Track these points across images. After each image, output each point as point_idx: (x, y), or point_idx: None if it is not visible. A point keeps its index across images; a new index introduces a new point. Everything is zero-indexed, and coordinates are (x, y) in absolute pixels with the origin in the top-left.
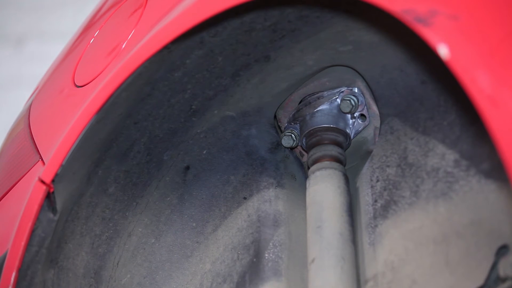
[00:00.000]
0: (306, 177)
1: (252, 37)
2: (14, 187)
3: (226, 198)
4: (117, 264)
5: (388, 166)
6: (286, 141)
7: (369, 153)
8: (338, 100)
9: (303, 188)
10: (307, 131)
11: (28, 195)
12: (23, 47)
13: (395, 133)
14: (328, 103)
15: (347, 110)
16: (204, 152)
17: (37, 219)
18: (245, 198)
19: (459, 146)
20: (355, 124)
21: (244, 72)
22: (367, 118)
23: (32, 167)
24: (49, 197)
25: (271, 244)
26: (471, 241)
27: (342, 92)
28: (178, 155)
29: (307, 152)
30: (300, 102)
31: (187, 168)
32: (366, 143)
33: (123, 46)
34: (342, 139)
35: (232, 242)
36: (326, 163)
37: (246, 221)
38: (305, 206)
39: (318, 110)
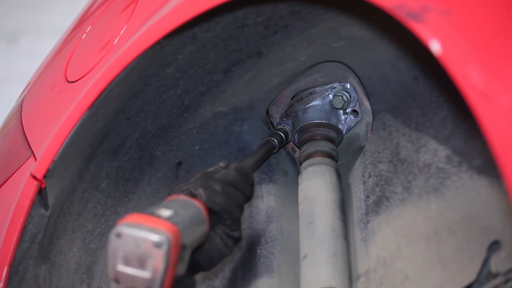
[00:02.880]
0: (298, 172)
1: (245, 32)
2: (5, 183)
3: None
4: None
5: (380, 162)
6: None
7: (361, 149)
8: (330, 96)
9: (295, 184)
10: (299, 127)
11: (20, 190)
12: (16, 43)
13: (387, 129)
14: (320, 98)
15: (339, 105)
16: (196, 148)
17: (29, 214)
18: None
19: (451, 142)
20: (347, 120)
21: (236, 67)
22: (359, 114)
23: (24, 163)
24: (41, 192)
25: (263, 240)
26: (463, 237)
27: (335, 88)
28: (170, 151)
29: (299, 148)
30: (292, 98)
31: (179, 163)
32: (358, 139)
33: (115, 42)
34: (334, 135)
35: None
36: (318, 159)
37: None
38: (297, 202)
39: (310, 105)
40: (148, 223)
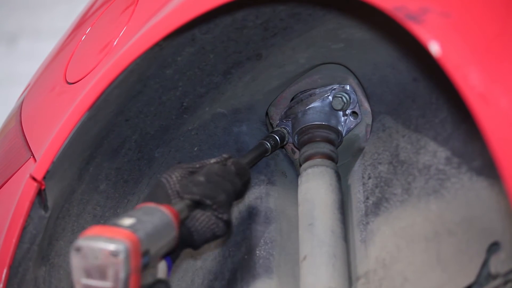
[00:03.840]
0: (296, 174)
1: (244, 34)
2: (5, 184)
3: None
4: None
5: (380, 163)
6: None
7: (361, 150)
8: (330, 98)
9: (293, 185)
10: (298, 129)
11: (20, 192)
12: (16, 45)
13: (387, 130)
14: (320, 100)
15: (339, 107)
16: (195, 149)
17: (29, 216)
18: None
19: (451, 144)
20: (347, 121)
21: (235, 69)
22: (359, 116)
23: (24, 164)
24: (40, 194)
25: (262, 241)
26: (462, 238)
27: (334, 89)
28: (169, 152)
29: (299, 149)
30: (292, 100)
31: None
32: (358, 140)
33: (115, 43)
34: (334, 137)
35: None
36: (318, 160)
37: (237, 218)
38: (296, 203)
39: (310, 107)
40: (105, 234)
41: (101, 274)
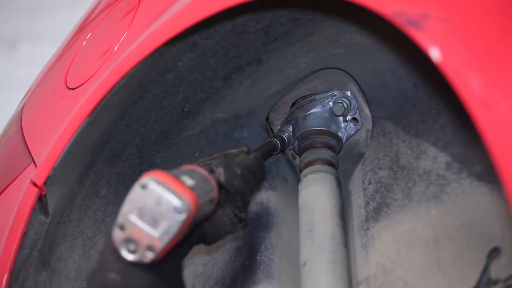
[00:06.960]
0: (297, 179)
1: (244, 39)
2: (6, 190)
3: None
4: None
5: (380, 168)
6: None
7: (361, 155)
8: (331, 103)
9: (294, 191)
10: (299, 134)
11: (20, 197)
12: (16, 49)
13: (387, 135)
14: (321, 106)
15: (340, 112)
16: (196, 154)
17: (29, 221)
18: None
19: (451, 149)
20: (347, 127)
21: (236, 74)
22: (359, 122)
23: (24, 170)
24: (41, 199)
25: (263, 246)
26: (463, 243)
27: (335, 95)
28: (170, 157)
29: (299, 155)
30: (292, 105)
31: None
32: (358, 145)
33: (116, 49)
34: (334, 143)
35: (224, 245)
36: (318, 166)
37: None
38: (297, 208)
39: (310, 113)
40: (175, 187)
41: (154, 221)
